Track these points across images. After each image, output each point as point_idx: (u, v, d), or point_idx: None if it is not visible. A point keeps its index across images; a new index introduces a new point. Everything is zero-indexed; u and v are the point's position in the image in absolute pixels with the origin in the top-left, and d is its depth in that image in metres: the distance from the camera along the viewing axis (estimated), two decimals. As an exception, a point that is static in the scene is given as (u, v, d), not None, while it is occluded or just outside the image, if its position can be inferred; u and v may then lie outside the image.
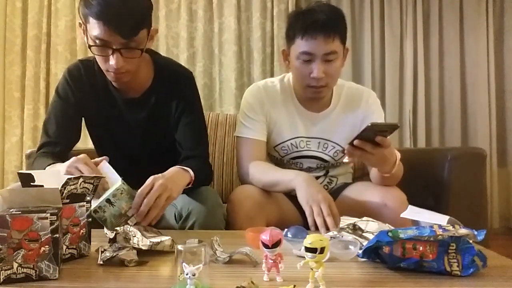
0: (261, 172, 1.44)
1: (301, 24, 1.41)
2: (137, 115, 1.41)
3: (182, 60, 3.23)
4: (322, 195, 1.25)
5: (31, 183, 0.97)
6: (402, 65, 3.37)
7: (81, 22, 1.26)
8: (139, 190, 1.10)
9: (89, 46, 1.24)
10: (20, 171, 1.02)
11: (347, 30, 1.47)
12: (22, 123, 3.22)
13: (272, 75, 3.16)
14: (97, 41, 1.21)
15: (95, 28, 1.18)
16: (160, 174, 1.16)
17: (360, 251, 0.93)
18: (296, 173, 1.38)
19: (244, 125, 1.54)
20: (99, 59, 1.27)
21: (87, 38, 1.24)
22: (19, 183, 1.00)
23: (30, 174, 0.99)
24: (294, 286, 0.72)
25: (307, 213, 1.25)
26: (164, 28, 3.29)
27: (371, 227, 1.05)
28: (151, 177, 1.14)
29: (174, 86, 1.41)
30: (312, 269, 0.76)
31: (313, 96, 1.49)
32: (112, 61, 1.22)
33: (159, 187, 1.11)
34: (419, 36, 3.34)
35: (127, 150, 1.17)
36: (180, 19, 3.30)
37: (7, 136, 3.23)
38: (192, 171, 1.27)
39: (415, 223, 1.10)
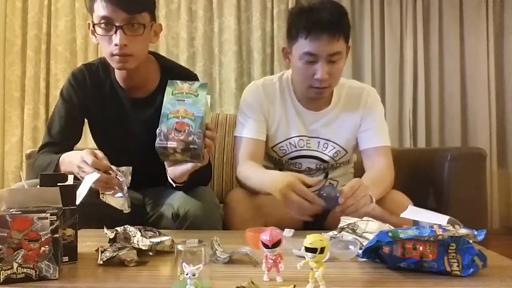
0: (248, 176, 1.42)
1: (304, 23, 1.35)
2: (142, 115, 1.43)
3: (182, 60, 3.23)
4: (287, 180, 1.17)
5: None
6: (402, 65, 3.36)
7: (89, 22, 1.31)
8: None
9: (93, 25, 1.28)
10: (60, 184, 0.93)
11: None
12: (22, 123, 3.22)
13: (272, 75, 3.16)
14: (101, 22, 1.26)
15: (99, 9, 1.25)
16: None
17: (360, 251, 0.93)
18: (270, 181, 1.26)
19: (242, 124, 1.53)
20: (104, 44, 1.30)
21: (94, 29, 1.29)
22: (20, 183, 1.00)
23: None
24: (294, 286, 0.72)
25: (283, 203, 1.18)
26: (164, 28, 3.26)
27: (371, 227, 1.05)
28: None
29: None
30: (312, 269, 0.76)
31: (315, 96, 1.46)
32: (116, 38, 1.25)
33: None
34: (419, 36, 3.34)
35: (128, 150, 1.19)
36: (180, 19, 3.30)
37: (7, 136, 3.23)
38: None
39: (415, 223, 1.10)
